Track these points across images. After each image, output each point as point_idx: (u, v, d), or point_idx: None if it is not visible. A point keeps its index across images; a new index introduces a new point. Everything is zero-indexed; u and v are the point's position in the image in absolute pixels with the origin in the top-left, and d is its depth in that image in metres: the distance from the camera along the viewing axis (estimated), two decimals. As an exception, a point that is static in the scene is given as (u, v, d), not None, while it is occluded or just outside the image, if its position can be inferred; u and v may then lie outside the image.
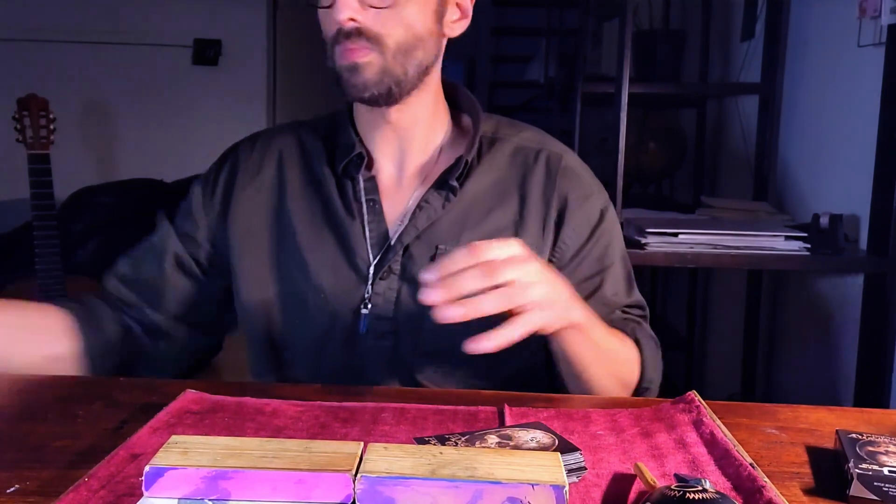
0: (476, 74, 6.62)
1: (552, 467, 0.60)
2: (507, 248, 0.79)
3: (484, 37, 6.45)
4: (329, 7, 0.93)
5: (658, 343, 1.07)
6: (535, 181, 1.04)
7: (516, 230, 1.02)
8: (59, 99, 2.34)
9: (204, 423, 0.78)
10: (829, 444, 0.77)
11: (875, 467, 0.67)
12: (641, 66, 2.98)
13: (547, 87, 4.44)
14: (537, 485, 0.57)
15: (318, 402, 0.84)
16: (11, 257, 2.67)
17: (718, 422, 0.79)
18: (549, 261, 1.04)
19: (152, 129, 3.31)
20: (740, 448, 0.72)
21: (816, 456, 0.75)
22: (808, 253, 1.92)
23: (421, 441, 0.71)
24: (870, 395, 1.88)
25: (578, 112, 2.79)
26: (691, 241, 1.95)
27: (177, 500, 0.59)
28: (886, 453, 0.70)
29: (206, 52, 3.33)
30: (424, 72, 0.99)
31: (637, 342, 1.02)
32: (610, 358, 0.96)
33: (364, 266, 1.01)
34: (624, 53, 2.18)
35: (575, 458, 0.68)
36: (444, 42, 1.02)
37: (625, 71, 2.19)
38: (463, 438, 0.71)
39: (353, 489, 0.58)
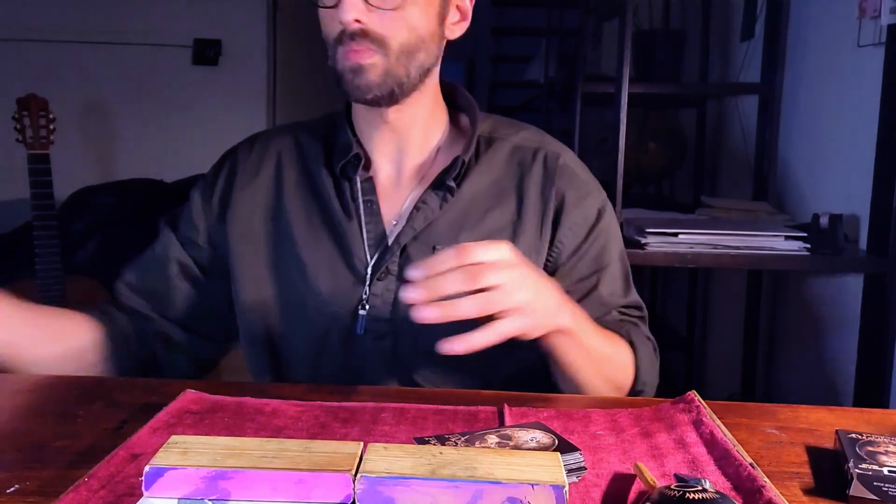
0: (476, 74, 6.63)
1: (552, 467, 0.60)
2: (496, 252, 0.79)
3: (484, 37, 6.45)
4: (334, 7, 0.93)
5: (655, 345, 1.06)
6: (532, 181, 1.04)
7: (514, 230, 1.02)
8: (59, 99, 2.34)
9: (204, 423, 0.78)
10: (829, 444, 0.77)
11: (875, 467, 0.67)
12: (641, 66, 2.98)
13: (547, 87, 4.43)
14: (537, 485, 0.57)
15: (318, 402, 0.84)
16: (11, 257, 2.67)
17: (718, 422, 0.79)
18: (547, 260, 1.04)
19: (152, 129, 3.31)
20: (740, 448, 0.72)
21: (816, 456, 0.75)
22: (808, 253, 1.92)
23: (421, 441, 0.71)
24: (870, 395, 1.88)
25: (578, 112, 2.78)
26: (691, 241, 1.94)
27: (177, 500, 0.59)
28: (886, 453, 0.70)
29: (206, 52, 3.34)
30: (425, 73, 0.99)
31: (632, 344, 1.01)
32: (601, 361, 0.95)
33: (361, 267, 1.01)
34: (624, 53, 2.18)
35: (575, 458, 0.68)
36: (444, 44, 1.02)
37: (625, 71, 2.19)
38: (463, 438, 0.71)
39: (353, 489, 0.58)
